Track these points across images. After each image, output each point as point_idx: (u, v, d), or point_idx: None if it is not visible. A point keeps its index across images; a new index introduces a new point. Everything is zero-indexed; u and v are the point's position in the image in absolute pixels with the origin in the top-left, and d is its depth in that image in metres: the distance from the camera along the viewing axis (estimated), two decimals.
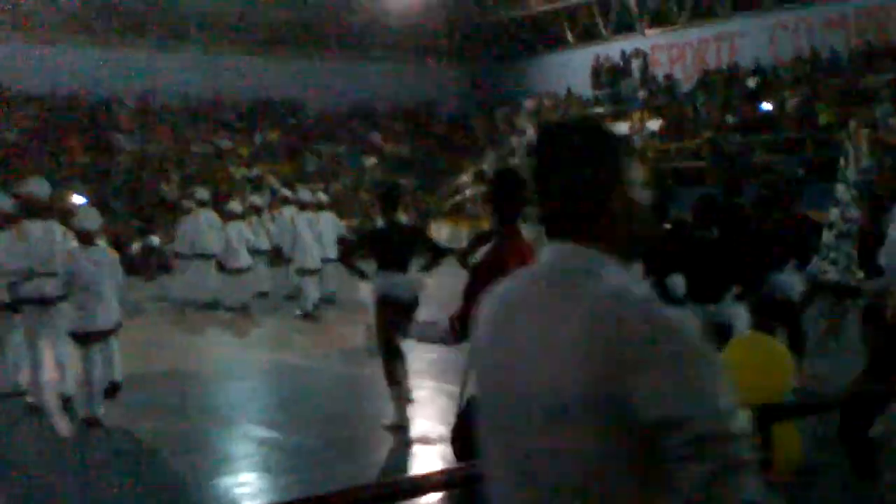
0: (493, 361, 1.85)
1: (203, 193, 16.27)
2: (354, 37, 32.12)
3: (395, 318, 7.43)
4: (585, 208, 1.80)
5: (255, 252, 15.32)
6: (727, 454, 1.61)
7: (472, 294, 4.16)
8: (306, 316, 13.86)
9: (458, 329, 4.33)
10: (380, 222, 8.03)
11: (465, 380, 4.24)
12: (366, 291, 7.71)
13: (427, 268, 7.81)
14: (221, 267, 15.02)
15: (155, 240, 17.15)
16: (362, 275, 7.97)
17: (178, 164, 26.21)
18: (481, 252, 5.55)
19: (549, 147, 1.85)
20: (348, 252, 7.97)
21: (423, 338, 5.94)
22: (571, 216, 1.81)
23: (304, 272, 14.20)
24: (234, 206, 15.80)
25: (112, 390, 8.01)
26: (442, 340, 4.84)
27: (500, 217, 4.49)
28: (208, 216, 15.28)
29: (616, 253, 1.81)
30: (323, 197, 16.11)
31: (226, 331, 13.46)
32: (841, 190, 7.15)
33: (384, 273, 7.51)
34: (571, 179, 1.80)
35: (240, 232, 14.97)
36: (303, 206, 14.96)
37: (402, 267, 7.55)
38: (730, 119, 23.52)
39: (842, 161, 7.32)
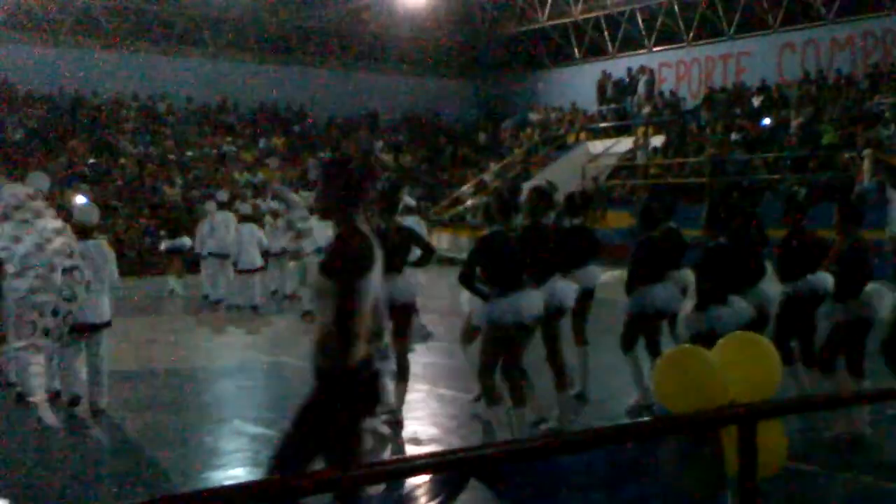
0: None
1: (223, 195, 17.03)
2: (362, 47, 32.26)
3: (397, 320, 7.43)
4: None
5: (266, 254, 15.59)
6: None
7: None
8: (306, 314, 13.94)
9: None
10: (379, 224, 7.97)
11: None
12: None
13: (420, 263, 7.79)
14: (234, 267, 15.44)
15: (187, 240, 17.47)
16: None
17: (181, 167, 26.27)
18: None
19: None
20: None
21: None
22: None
23: None
24: (245, 207, 16.27)
25: (71, 403, 7.96)
26: None
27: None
28: (226, 217, 15.74)
29: None
30: None
31: (229, 330, 13.53)
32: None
33: (385, 274, 7.46)
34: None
35: (251, 233, 15.19)
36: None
37: (399, 269, 7.52)
38: (734, 136, 23.54)
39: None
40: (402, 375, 7.51)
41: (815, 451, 6.35)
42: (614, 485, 3.59)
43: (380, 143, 30.37)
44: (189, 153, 27.09)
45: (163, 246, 18.50)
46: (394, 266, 7.46)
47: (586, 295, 8.29)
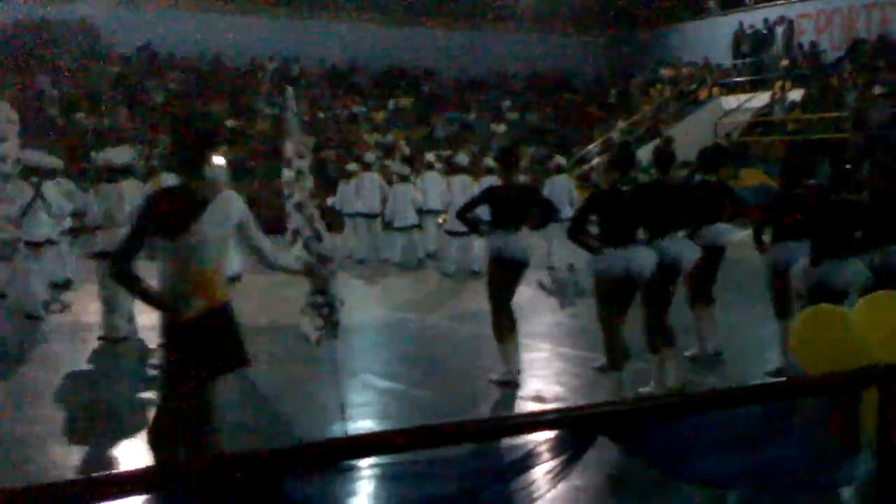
0: None
1: (370, 156, 17.34)
2: (489, 4, 32.00)
3: (508, 277, 7.47)
4: None
5: (421, 212, 15.96)
6: None
7: None
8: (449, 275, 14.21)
9: None
10: (498, 182, 7.96)
11: None
12: (480, 249, 7.70)
13: (537, 226, 7.76)
14: (387, 225, 16.02)
15: (332, 200, 17.86)
16: (477, 229, 7.98)
17: (314, 128, 26.78)
18: None
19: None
20: (465, 208, 7.95)
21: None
22: None
23: (453, 234, 14.45)
24: (401, 168, 16.74)
25: None
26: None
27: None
28: (372, 177, 16.13)
29: None
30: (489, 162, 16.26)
31: (361, 286, 13.82)
32: None
33: (500, 232, 7.49)
34: None
35: (406, 192, 15.68)
36: (461, 171, 15.41)
37: (517, 226, 7.51)
38: (877, 90, 22.36)
39: None
40: (511, 330, 7.51)
41: None
42: (748, 446, 3.51)
43: (507, 102, 30.21)
44: (321, 115, 27.61)
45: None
46: (510, 224, 7.46)
47: (716, 253, 8.08)
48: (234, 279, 8.17)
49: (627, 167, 6.87)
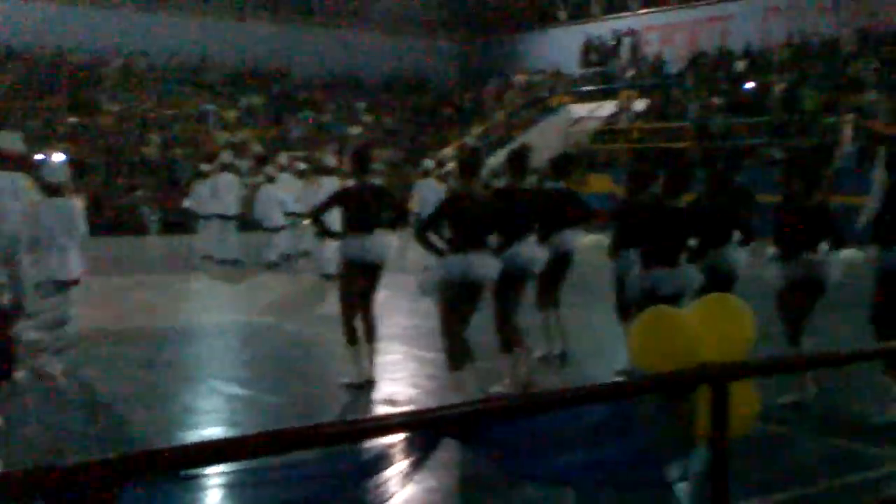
0: None
1: (227, 156, 17.26)
2: (344, 5, 31.88)
3: (362, 280, 7.45)
4: None
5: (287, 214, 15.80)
6: None
7: None
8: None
9: None
10: (350, 183, 7.93)
11: None
12: (333, 251, 7.63)
13: (392, 225, 7.78)
14: (244, 226, 15.97)
15: (188, 202, 17.58)
16: (331, 234, 7.93)
17: (161, 125, 26.02)
18: None
19: None
20: (318, 210, 7.89)
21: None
22: None
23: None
24: (269, 169, 16.79)
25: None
26: None
27: None
28: (228, 178, 15.98)
29: None
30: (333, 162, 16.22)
31: (215, 289, 13.52)
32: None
33: (353, 235, 7.46)
34: None
35: (271, 193, 15.68)
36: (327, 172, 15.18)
37: (371, 229, 7.49)
38: (717, 101, 23.51)
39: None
40: (370, 336, 7.53)
41: (782, 413, 6.40)
42: (588, 445, 3.60)
43: (362, 104, 30.16)
44: (169, 112, 26.83)
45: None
46: (363, 225, 7.44)
47: (564, 257, 8.31)
48: (72, 283, 7.84)
49: (475, 172, 6.95)
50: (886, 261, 6.34)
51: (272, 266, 15.50)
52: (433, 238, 6.71)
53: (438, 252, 6.67)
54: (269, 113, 28.49)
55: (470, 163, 6.97)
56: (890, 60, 21.42)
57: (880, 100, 19.93)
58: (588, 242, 8.73)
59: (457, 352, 6.68)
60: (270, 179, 16.11)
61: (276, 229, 15.70)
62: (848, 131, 19.04)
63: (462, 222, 6.65)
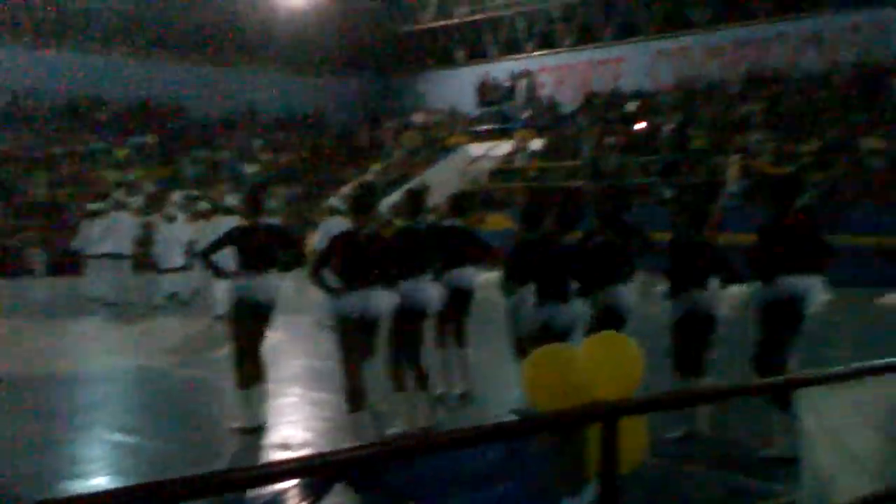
0: None
1: (120, 195, 17.19)
2: (241, 43, 31.59)
3: (252, 321, 7.31)
4: None
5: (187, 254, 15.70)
6: None
7: None
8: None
9: None
10: (244, 222, 7.79)
11: None
12: (224, 292, 7.45)
13: (287, 265, 7.67)
14: (137, 266, 15.81)
15: (76, 242, 17.27)
16: (221, 274, 7.74)
17: (48, 164, 25.24)
18: None
19: None
20: (210, 249, 7.72)
21: None
22: None
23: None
24: (170, 209, 16.53)
25: None
26: None
27: None
28: (122, 217, 15.74)
29: None
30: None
31: (102, 333, 13.07)
32: None
33: (243, 275, 7.32)
34: None
35: (173, 233, 15.55)
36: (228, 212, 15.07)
37: (263, 269, 7.37)
38: (610, 141, 24.11)
39: None
40: (261, 378, 7.39)
41: (671, 447, 6.49)
42: (483, 485, 3.57)
43: (259, 142, 29.87)
44: (56, 150, 26.05)
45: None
46: (256, 265, 7.31)
47: (465, 296, 8.33)
48: None
49: (367, 210, 6.92)
50: (763, 296, 6.52)
51: (161, 307, 15.20)
52: (326, 277, 6.63)
53: (332, 291, 6.60)
54: (162, 151, 27.90)
55: (361, 201, 6.94)
56: (774, 102, 22.34)
57: (765, 140, 20.74)
58: (487, 280, 8.76)
59: (356, 392, 6.59)
60: (171, 219, 15.88)
61: (175, 270, 15.47)
62: (735, 170, 19.73)
63: (354, 260, 6.59)
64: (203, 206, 16.42)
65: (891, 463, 4.23)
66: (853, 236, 15.83)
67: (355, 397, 6.60)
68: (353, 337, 6.58)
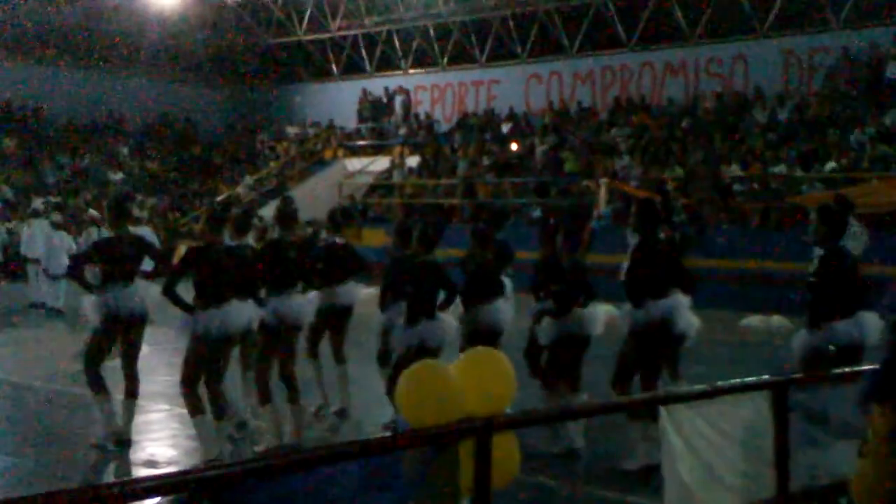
0: None
1: (38, 203, 17.56)
2: (107, 47, 30.43)
3: (114, 333, 7.10)
4: None
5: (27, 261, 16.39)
6: None
7: None
8: None
9: None
10: (108, 233, 7.55)
11: None
12: (91, 304, 7.17)
13: (152, 275, 7.47)
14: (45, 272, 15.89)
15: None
16: (87, 287, 7.43)
17: None
18: None
19: None
20: (76, 264, 7.46)
21: None
22: None
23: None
24: (57, 216, 16.50)
25: None
26: None
27: None
28: (41, 224, 16.18)
29: None
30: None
31: None
32: None
33: (110, 287, 7.07)
34: None
35: (62, 239, 15.59)
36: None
37: (129, 280, 7.14)
38: (485, 160, 24.41)
39: None
40: (131, 392, 7.17)
41: (544, 462, 6.59)
42: (357, 499, 3.53)
43: (125, 149, 28.96)
44: None
45: None
46: (121, 277, 7.09)
47: (344, 312, 8.30)
48: None
49: (222, 226, 6.79)
50: (635, 318, 6.71)
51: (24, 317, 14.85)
52: (180, 293, 6.44)
53: (187, 307, 6.43)
54: (22, 155, 26.68)
55: (217, 216, 6.84)
56: (640, 128, 23.10)
57: (632, 164, 21.40)
58: (367, 296, 8.72)
59: (195, 403, 6.47)
60: (57, 227, 15.82)
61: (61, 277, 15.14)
62: (604, 193, 20.27)
63: (210, 275, 6.46)
64: (93, 213, 15.96)
65: (749, 478, 4.41)
66: (718, 260, 16.57)
67: (196, 408, 6.47)
68: (212, 354, 6.47)
